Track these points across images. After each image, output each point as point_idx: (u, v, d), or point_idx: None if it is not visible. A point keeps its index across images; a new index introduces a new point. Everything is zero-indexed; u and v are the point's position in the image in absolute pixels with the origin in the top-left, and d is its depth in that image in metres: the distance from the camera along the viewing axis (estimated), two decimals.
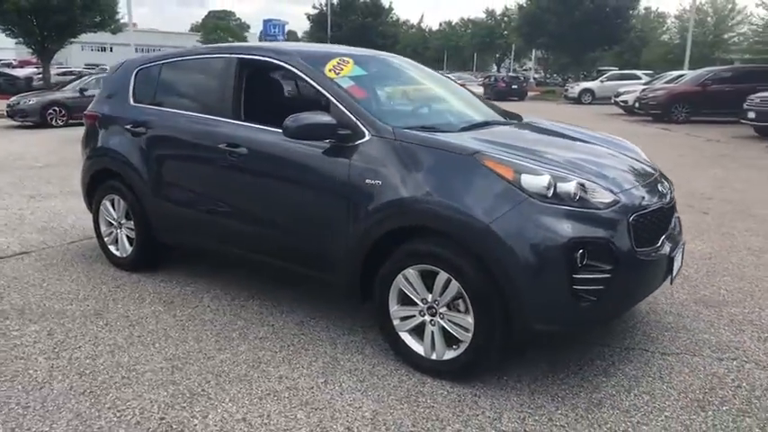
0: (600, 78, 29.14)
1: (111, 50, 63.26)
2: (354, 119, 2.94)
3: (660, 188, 3.00)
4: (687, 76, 18.73)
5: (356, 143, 2.90)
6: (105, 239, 4.32)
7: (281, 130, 3.14)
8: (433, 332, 2.74)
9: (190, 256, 4.35)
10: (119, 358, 2.95)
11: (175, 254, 4.31)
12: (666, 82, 19.32)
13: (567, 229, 2.42)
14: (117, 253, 4.25)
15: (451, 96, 3.91)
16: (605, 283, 2.45)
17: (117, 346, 3.08)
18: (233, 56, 3.58)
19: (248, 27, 74.71)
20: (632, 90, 20.41)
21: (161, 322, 3.38)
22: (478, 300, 2.54)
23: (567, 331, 2.97)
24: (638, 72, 28.80)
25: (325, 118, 2.92)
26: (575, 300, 2.44)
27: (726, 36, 52.50)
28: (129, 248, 4.15)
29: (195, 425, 2.41)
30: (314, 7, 45.57)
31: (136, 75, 4.15)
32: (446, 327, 2.69)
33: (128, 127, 3.98)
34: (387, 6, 46.06)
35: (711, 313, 3.56)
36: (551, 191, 2.47)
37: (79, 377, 2.77)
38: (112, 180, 4.15)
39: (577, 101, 27.88)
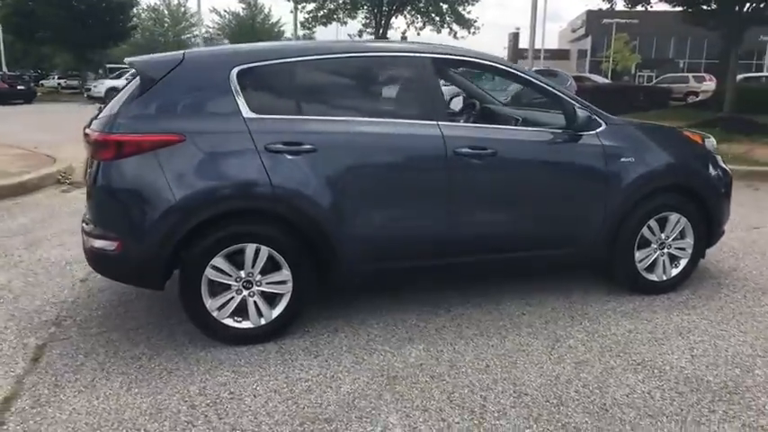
0: (125, 76, 28.28)
1: None
2: (588, 112, 3.53)
3: None
4: None
5: (597, 131, 3.53)
6: (215, 314, 3.00)
7: (527, 129, 3.47)
8: (663, 261, 3.79)
9: None
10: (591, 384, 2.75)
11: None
12: None
13: (728, 167, 3.97)
14: (244, 325, 3.05)
15: None
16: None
17: (562, 380, 2.79)
18: (426, 55, 3.28)
19: None
20: None
21: (481, 352, 3.03)
22: (696, 226, 3.78)
23: None
24: None
25: (587, 111, 3.44)
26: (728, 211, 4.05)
27: (183, 37, 58.46)
28: (271, 311, 3.08)
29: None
30: None
31: (238, 77, 2.99)
32: (672, 253, 3.80)
33: (278, 147, 2.94)
34: None
35: None
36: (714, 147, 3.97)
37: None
38: (238, 225, 2.96)
39: (104, 100, 26.35)
